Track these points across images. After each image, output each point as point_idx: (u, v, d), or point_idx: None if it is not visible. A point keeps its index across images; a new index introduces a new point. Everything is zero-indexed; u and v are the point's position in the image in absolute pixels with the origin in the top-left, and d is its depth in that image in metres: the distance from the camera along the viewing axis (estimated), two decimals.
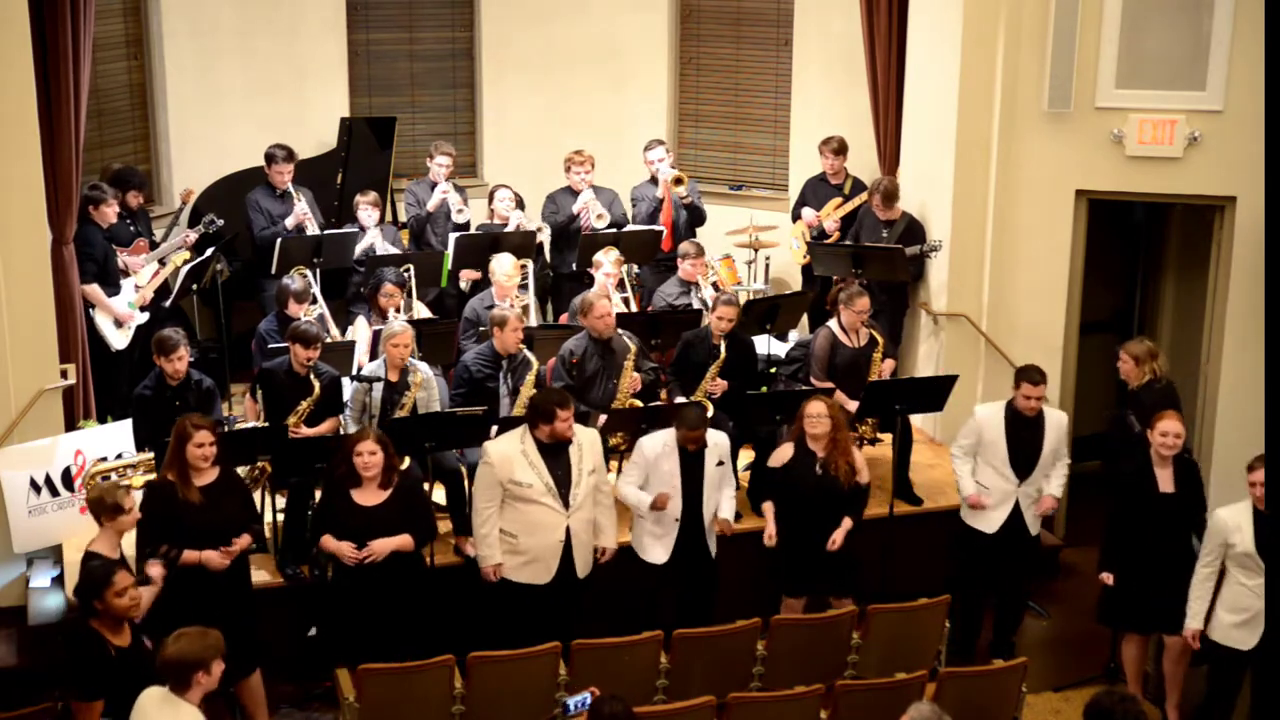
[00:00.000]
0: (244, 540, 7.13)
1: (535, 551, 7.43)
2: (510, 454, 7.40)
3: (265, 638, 7.33)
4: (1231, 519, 7.03)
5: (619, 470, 9.00)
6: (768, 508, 7.81)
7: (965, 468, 8.09)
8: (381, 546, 7.18)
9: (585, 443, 7.57)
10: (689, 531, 7.79)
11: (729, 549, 8.10)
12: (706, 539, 7.87)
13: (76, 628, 6.01)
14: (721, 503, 7.91)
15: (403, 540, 7.25)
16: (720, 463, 7.84)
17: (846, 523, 7.73)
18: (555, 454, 7.43)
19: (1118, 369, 8.46)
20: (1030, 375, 7.97)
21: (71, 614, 7.68)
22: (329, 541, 7.19)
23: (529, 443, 7.42)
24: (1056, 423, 8.09)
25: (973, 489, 8.04)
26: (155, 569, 6.59)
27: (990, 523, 8.04)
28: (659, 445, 7.76)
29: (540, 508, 7.39)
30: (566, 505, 7.42)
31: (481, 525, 7.44)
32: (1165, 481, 7.44)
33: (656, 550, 7.80)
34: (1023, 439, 7.98)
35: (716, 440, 7.86)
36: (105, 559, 6.42)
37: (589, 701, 5.88)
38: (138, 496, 6.83)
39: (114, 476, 8.17)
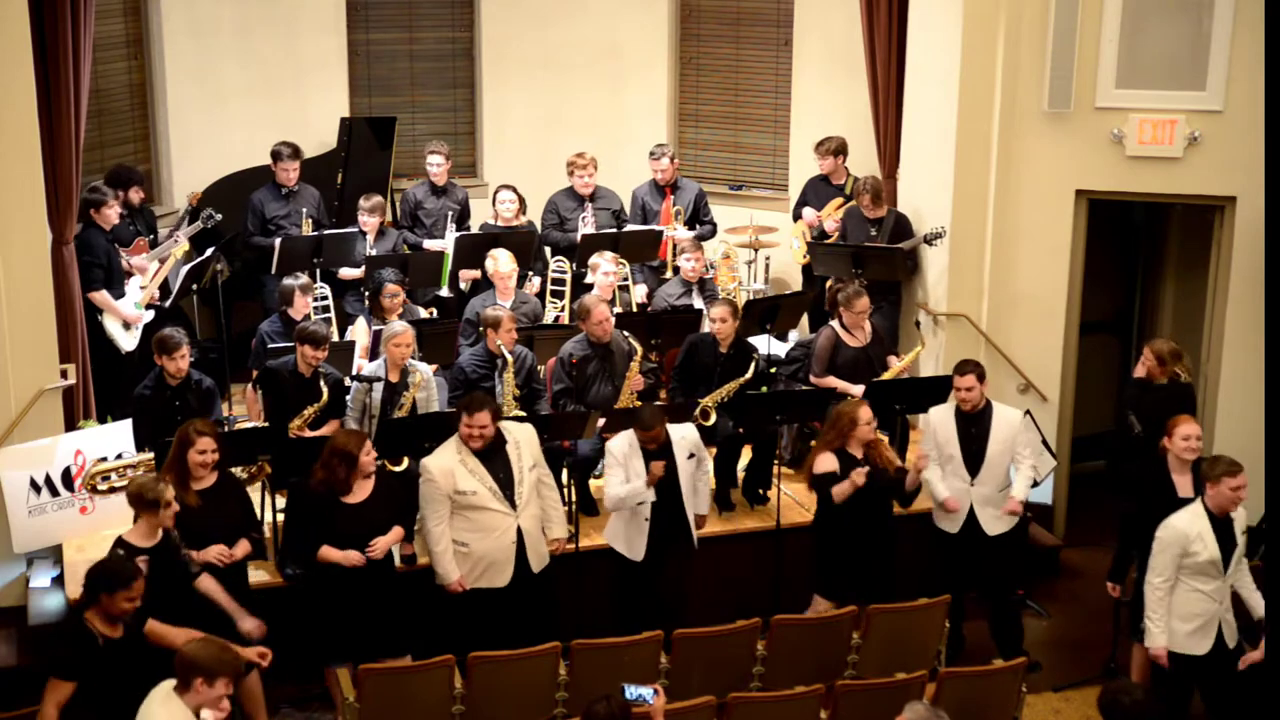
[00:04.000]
0: (243, 547, 7.14)
1: (490, 556, 7.42)
2: (449, 465, 7.38)
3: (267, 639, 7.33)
4: (1190, 528, 6.88)
5: None
6: (842, 487, 7.63)
7: (935, 473, 8.03)
8: (384, 545, 7.20)
9: (522, 439, 7.56)
10: (666, 528, 7.76)
11: (728, 550, 8.10)
12: (691, 534, 7.85)
13: (73, 613, 6.00)
14: (700, 494, 7.94)
15: (397, 534, 7.30)
16: (691, 455, 7.84)
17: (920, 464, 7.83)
18: (492, 456, 7.42)
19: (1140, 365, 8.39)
20: (959, 366, 7.99)
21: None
22: (331, 553, 7.15)
23: (465, 451, 7.40)
24: (1006, 420, 8.02)
25: (945, 494, 8.00)
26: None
27: (952, 523, 8.03)
28: (625, 445, 7.76)
29: (488, 513, 7.38)
30: (514, 505, 7.42)
31: (436, 543, 7.40)
32: (1184, 487, 7.32)
33: (633, 548, 7.77)
34: (971, 436, 7.95)
35: (683, 434, 7.87)
36: (134, 550, 6.46)
37: (646, 697, 5.89)
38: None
39: (114, 477, 8.17)
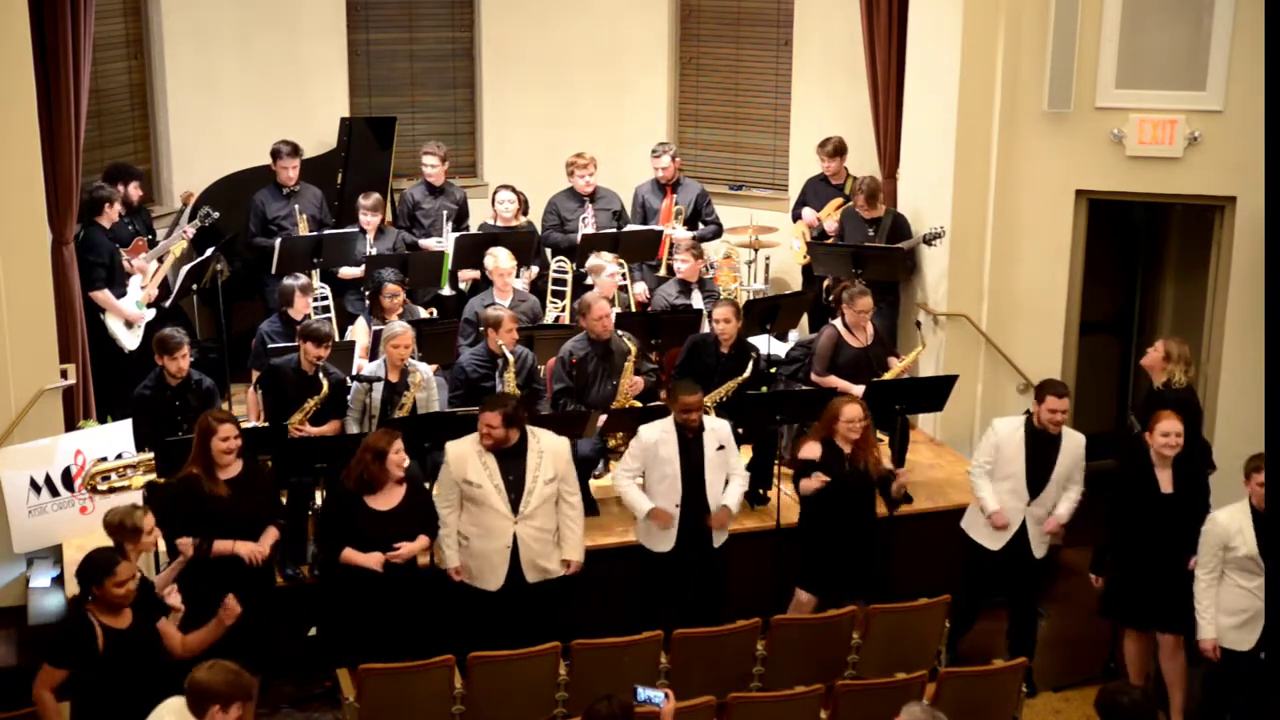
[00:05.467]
0: (271, 535, 7.19)
1: (484, 556, 7.40)
2: (466, 454, 7.39)
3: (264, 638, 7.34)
4: (1231, 522, 7.00)
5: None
6: (806, 483, 7.66)
7: (988, 486, 7.92)
8: (409, 551, 7.20)
9: (548, 450, 7.47)
10: (691, 519, 7.75)
11: (728, 550, 8.08)
12: (709, 531, 7.84)
13: (76, 610, 6.04)
14: (727, 491, 7.88)
15: (423, 543, 7.28)
16: (721, 447, 7.82)
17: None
18: (510, 458, 7.38)
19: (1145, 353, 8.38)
20: (1056, 388, 7.81)
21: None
22: (354, 555, 7.16)
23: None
24: (1074, 444, 7.90)
25: (996, 506, 7.86)
26: (174, 597, 6.42)
27: (996, 540, 7.94)
28: (657, 432, 7.75)
29: (489, 511, 7.35)
30: (515, 510, 7.37)
31: (441, 526, 7.43)
32: (1165, 482, 7.42)
33: (661, 539, 7.77)
34: (1040, 457, 7.83)
35: (715, 425, 7.86)
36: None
37: (655, 700, 5.92)
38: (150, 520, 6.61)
39: (114, 477, 8.17)
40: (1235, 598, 7.02)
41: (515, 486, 7.37)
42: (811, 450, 7.75)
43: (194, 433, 7.20)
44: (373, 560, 7.14)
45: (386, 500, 7.23)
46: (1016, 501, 7.88)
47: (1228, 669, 7.14)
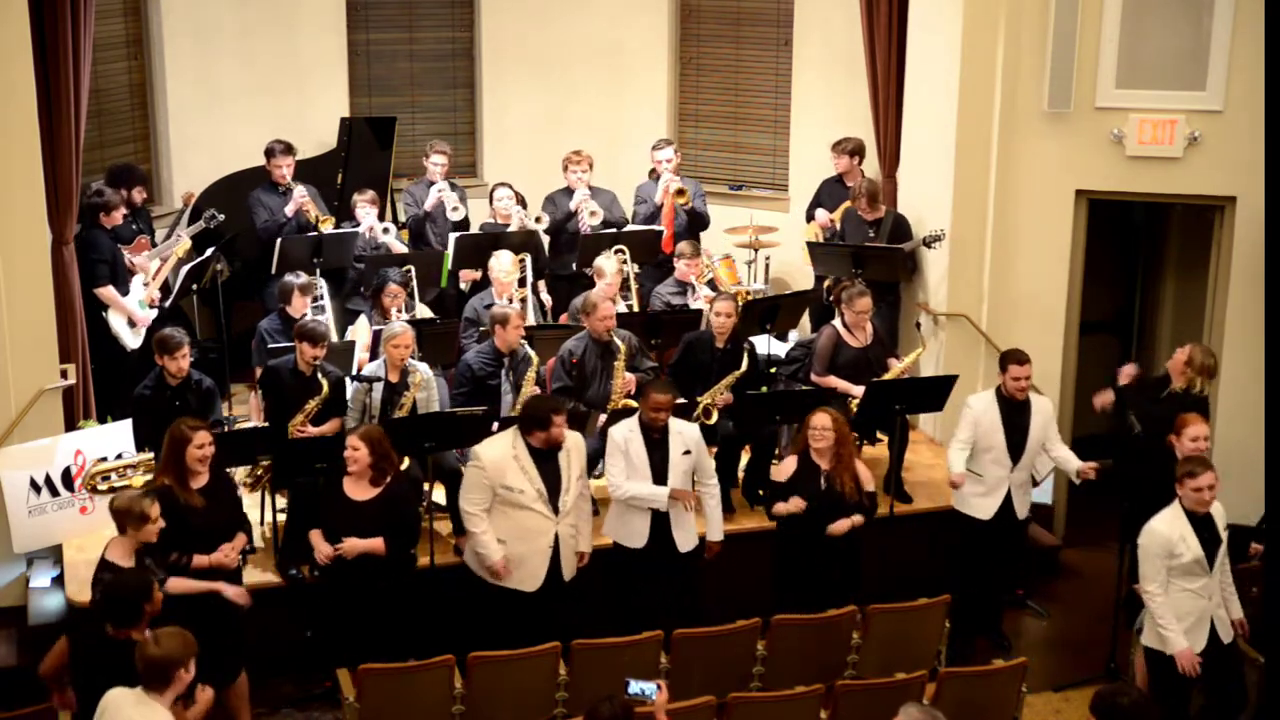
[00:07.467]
0: (241, 540, 7.14)
1: (523, 558, 7.38)
2: (502, 459, 7.35)
3: (264, 638, 7.33)
4: (1172, 530, 6.88)
5: None
6: (781, 506, 7.65)
7: (960, 457, 8.15)
8: (351, 546, 7.14)
9: (573, 448, 7.52)
10: (656, 520, 7.70)
11: (728, 550, 8.07)
12: (673, 531, 7.74)
13: (111, 638, 5.95)
14: (710, 518, 7.87)
15: (373, 544, 7.15)
16: (687, 451, 7.75)
17: (856, 518, 7.64)
18: (547, 460, 7.39)
19: (1173, 357, 8.40)
20: (1017, 356, 8.14)
21: (74, 615, 7.68)
22: (314, 535, 7.23)
23: (520, 447, 7.38)
24: (1043, 408, 8.23)
25: (961, 469, 8.11)
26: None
27: (985, 509, 8.15)
28: (625, 430, 7.74)
29: (530, 514, 7.34)
30: (556, 511, 7.39)
31: (475, 527, 7.37)
32: None
33: (634, 536, 7.72)
34: (1015, 425, 8.11)
35: (682, 429, 7.82)
36: (120, 567, 6.41)
37: (648, 692, 5.94)
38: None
39: (114, 477, 8.17)
40: (1182, 602, 6.93)
41: (554, 488, 7.39)
42: (784, 470, 7.72)
43: (164, 442, 7.10)
44: (321, 549, 7.15)
45: (363, 491, 7.22)
46: (1000, 470, 8.11)
47: (1176, 674, 7.00)
